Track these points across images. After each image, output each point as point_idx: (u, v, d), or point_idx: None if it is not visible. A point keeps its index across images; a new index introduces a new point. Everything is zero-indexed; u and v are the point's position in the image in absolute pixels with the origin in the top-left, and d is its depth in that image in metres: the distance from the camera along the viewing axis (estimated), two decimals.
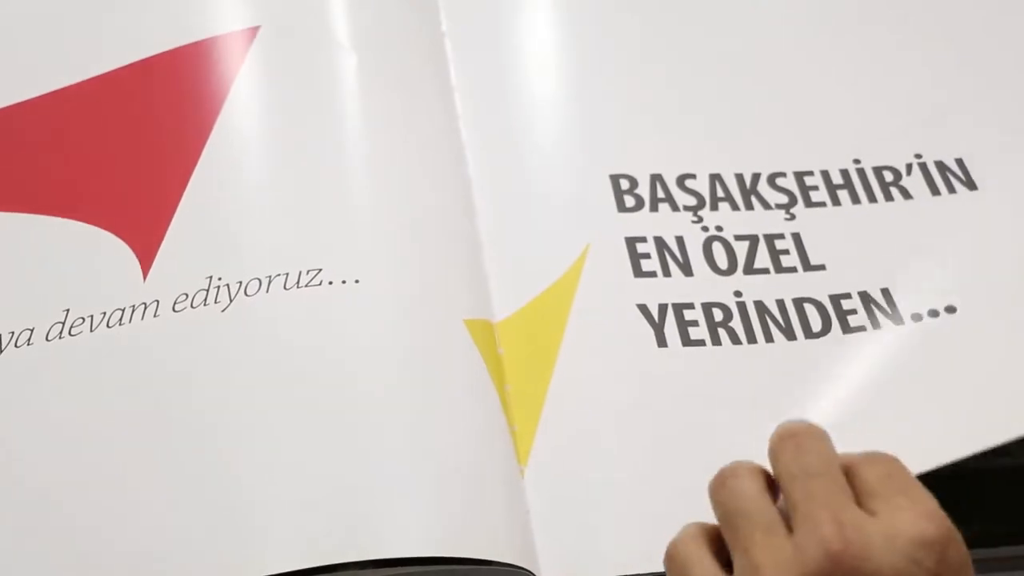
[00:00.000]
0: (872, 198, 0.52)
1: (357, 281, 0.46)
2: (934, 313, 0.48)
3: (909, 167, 0.53)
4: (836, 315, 0.48)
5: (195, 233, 0.47)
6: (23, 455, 0.43)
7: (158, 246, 0.47)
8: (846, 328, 0.47)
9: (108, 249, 0.47)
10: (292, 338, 0.45)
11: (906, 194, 0.52)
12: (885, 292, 0.48)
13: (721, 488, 0.33)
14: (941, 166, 0.52)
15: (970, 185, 0.52)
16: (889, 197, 0.52)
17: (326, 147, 0.50)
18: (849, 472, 0.33)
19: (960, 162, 0.53)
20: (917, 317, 0.48)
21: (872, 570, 0.30)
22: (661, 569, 0.34)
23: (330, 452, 0.42)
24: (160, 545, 0.41)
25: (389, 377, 0.44)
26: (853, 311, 0.48)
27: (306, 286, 0.45)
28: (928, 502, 0.32)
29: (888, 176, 0.52)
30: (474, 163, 0.52)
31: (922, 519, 0.31)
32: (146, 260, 0.47)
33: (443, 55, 0.55)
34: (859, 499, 0.32)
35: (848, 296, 0.48)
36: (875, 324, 0.48)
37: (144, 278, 0.46)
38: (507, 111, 0.54)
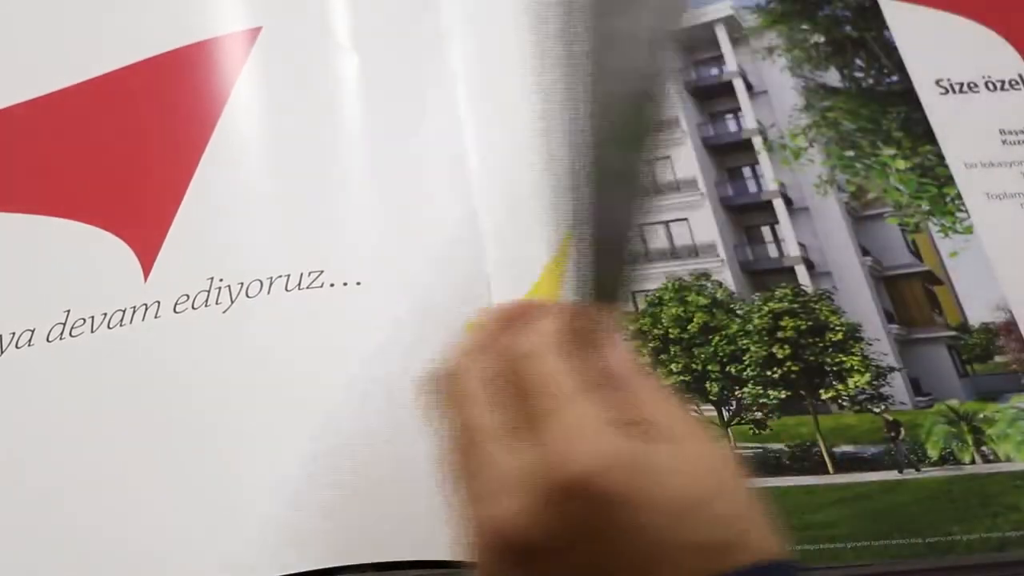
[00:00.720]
0: None
1: (359, 283, 0.46)
2: None
3: None
4: None
5: (196, 234, 0.47)
6: (23, 455, 0.43)
7: (159, 247, 0.47)
8: None
9: (109, 250, 0.47)
10: (293, 339, 0.45)
11: None
12: None
13: None
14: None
15: None
16: None
17: (328, 148, 0.50)
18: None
19: None
20: None
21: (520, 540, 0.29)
22: None
23: (330, 453, 0.42)
24: (160, 545, 0.41)
25: (390, 379, 0.44)
26: None
27: (307, 288, 0.45)
28: (583, 432, 0.29)
29: None
30: (476, 165, 0.52)
31: (565, 462, 0.28)
32: (147, 261, 0.47)
33: (445, 56, 0.55)
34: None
35: None
36: None
37: (145, 279, 0.46)
38: (509, 112, 0.54)
